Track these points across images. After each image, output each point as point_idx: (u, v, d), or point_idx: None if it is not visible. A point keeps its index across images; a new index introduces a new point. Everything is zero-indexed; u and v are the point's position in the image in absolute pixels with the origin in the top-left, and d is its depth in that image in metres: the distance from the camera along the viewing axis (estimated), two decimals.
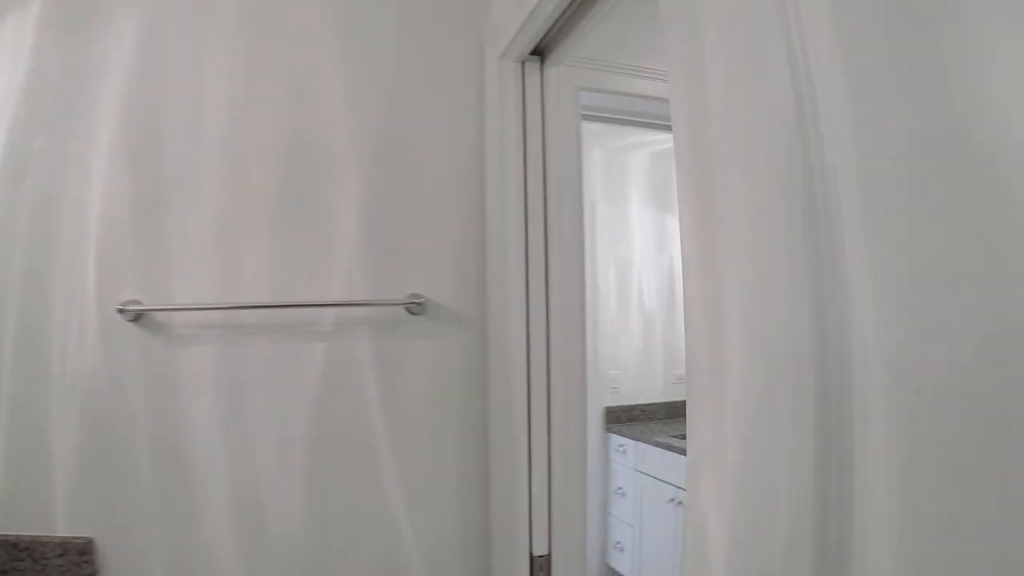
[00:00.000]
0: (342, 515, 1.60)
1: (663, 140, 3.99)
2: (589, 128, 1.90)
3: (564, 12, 1.43)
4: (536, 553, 1.56)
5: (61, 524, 1.45)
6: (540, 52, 1.66)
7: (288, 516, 1.56)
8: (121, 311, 1.48)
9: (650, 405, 4.06)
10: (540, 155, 1.67)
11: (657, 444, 3.35)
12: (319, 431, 1.59)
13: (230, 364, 1.56)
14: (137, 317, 1.51)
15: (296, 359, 1.59)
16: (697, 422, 0.75)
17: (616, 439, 3.73)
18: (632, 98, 2.04)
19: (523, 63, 1.66)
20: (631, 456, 3.57)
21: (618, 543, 3.62)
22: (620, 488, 3.63)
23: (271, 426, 1.56)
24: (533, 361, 1.63)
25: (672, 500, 3.16)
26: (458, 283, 1.70)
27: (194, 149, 1.56)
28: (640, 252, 4.19)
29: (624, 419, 3.94)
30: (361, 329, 1.63)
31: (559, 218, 1.68)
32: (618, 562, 3.61)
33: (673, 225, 4.24)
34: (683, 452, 3.11)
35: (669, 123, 2.10)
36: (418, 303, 1.62)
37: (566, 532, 1.62)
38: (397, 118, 1.68)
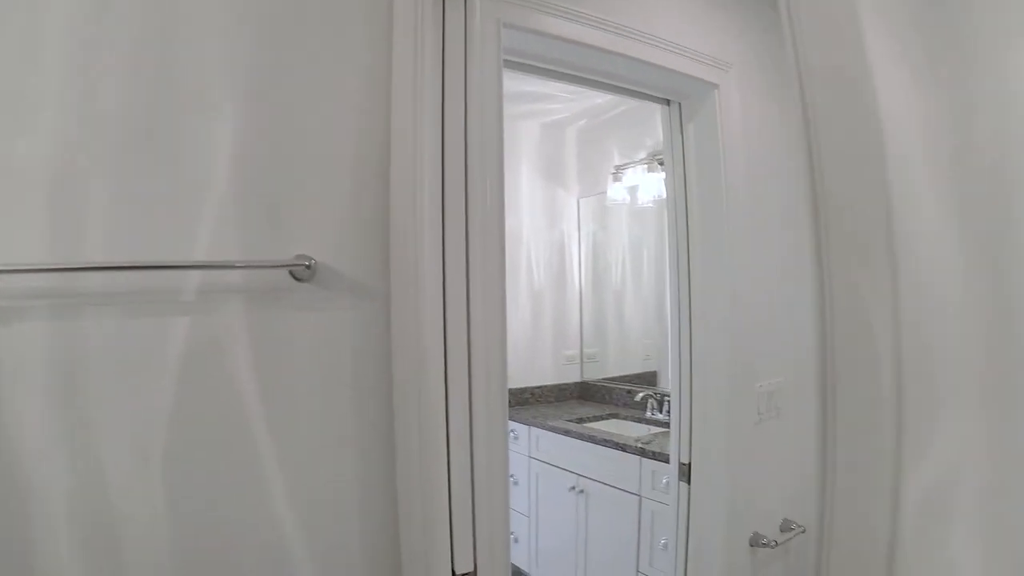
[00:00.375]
0: (218, 528, 1.26)
1: (556, 110, 3.80)
2: None
3: None
4: (460, 571, 1.30)
5: None
6: None
7: (149, 535, 1.21)
8: None
9: (540, 388, 3.89)
10: (462, 95, 1.40)
11: (554, 429, 3.17)
12: (183, 428, 1.24)
13: (67, 345, 1.17)
14: None
15: (152, 337, 1.23)
16: (939, 429, 0.50)
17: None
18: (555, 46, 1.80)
19: None
20: (524, 442, 3.37)
21: (512, 534, 3.42)
22: (512, 476, 3.43)
23: (122, 424, 1.20)
24: (451, 343, 1.36)
25: (573, 488, 2.99)
26: (356, 243, 1.38)
27: (27, 60, 1.16)
28: (530, 227, 4.00)
29: (513, 403, 3.73)
30: (234, 298, 1.29)
31: (481, 171, 1.43)
32: (513, 554, 3.41)
33: (564, 199, 4.08)
34: (582, 437, 2.95)
35: (593, 77, 1.87)
36: (306, 266, 1.29)
37: (492, 543, 1.38)
38: (285, 41, 1.35)
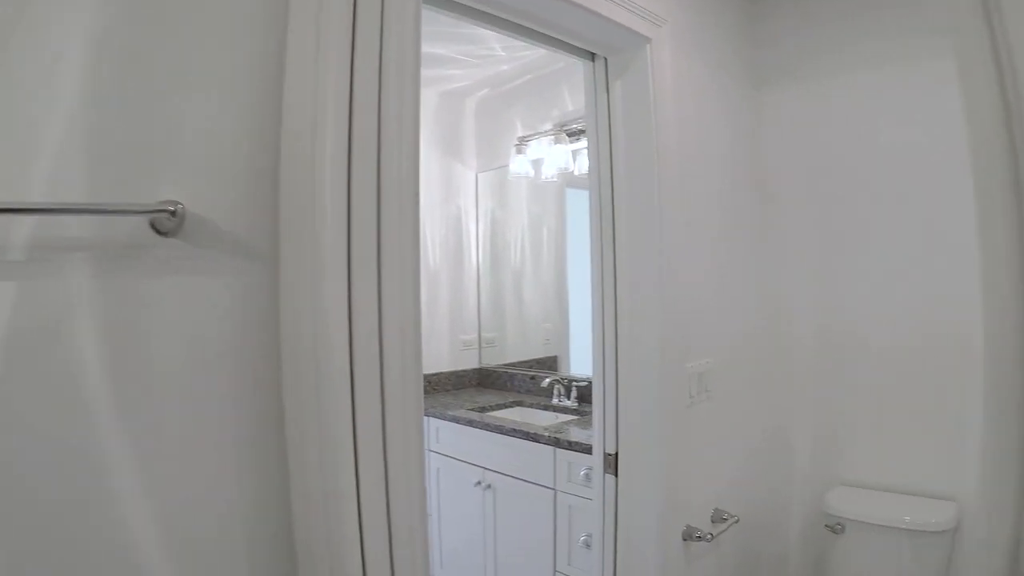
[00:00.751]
0: (59, 561, 0.95)
1: (456, 78, 3.54)
2: None
3: None
4: None
5: None
6: None
7: None
8: None
9: (437, 375, 3.64)
10: (377, 19, 1.13)
11: (456, 419, 2.93)
12: (9, 431, 0.92)
13: None
14: None
15: None
16: None
17: None
18: None
19: None
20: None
21: None
22: None
23: None
24: (357, 319, 1.09)
25: (479, 483, 2.76)
26: (237, 188, 1.08)
27: None
28: (425, 203, 3.71)
29: None
30: (77, 258, 0.96)
31: (398, 108, 1.16)
32: None
33: (462, 173, 3.84)
34: (488, 428, 2.72)
35: (516, 19, 1.63)
36: (171, 212, 0.98)
37: (412, 564, 1.13)
38: None
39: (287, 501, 1.08)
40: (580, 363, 3.35)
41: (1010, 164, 0.77)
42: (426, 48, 3.03)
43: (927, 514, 1.95)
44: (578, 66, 2.03)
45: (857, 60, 2.21)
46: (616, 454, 1.89)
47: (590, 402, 2.97)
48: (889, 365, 2.15)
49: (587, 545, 2.26)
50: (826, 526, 2.09)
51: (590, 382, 3.03)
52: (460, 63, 3.30)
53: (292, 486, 1.08)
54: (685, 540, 1.85)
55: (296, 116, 1.07)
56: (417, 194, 1.20)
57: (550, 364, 3.54)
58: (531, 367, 3.59)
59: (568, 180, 3.34)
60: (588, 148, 2.01)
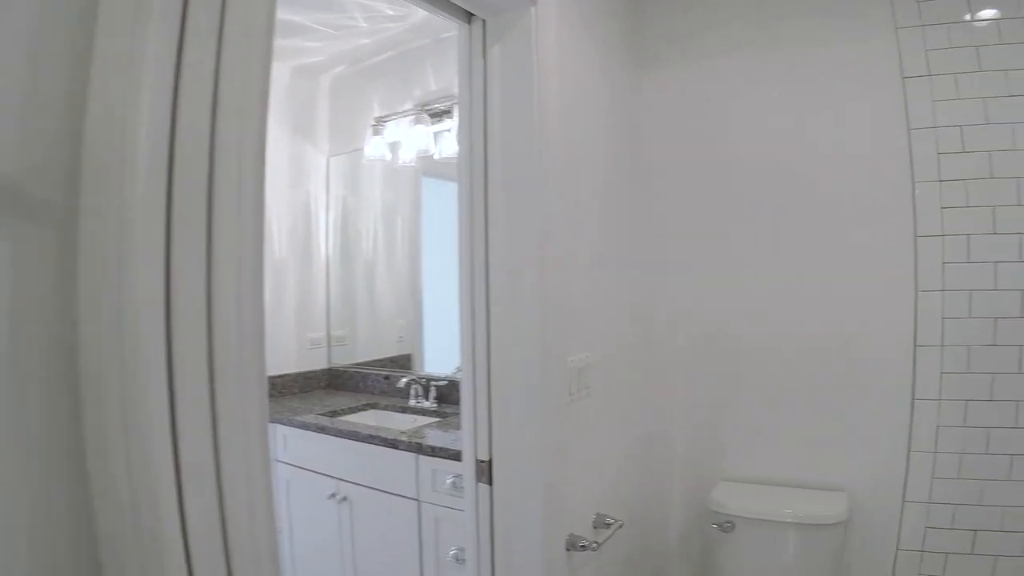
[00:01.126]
0: None
1: (311, 51, 3.23)
2: None
3: None
4: None
5: None
6: None
7: None
8: None
9: (283, 377, 3.32)
10: None
11: (305, 426, 2.64)
12: None
13: None
14: None
15: None
16: None
17: None
18: None
19: None
20: (269, 443, 2.79)
21: None
22: None
23: None
24: (177, 306, 0.83)
25: (333, 496, 2.48)
26: (26, 125, 0.80)
27: None
28: (270, 188, 3.35)
29: None
30: None
31: (245, 41, 0.92)
32: None
33: (313, 157, 3.53)
34: (341, 434, 2.47)
35: None
36: None
37: None
38: None
39: (93, 549, 0.81)
40: (435, 361, 3.16)
41: None
42: (279, 14, 2.71)
43: (819, 506, 1.93)
44: (445, 43, 1.83)
45: (746, 40, 2.16)
46: (490, 461, 1.71)
47: (450, 402, 2.80)
48: (770, 362, 2.13)
49: (458, 560, 2.07)
50: (714, 524, 2.02)
51: (450, 381, 2.85)
52: (316, 34, 3.00)
53: (98, 526, 0.80)
54: (568, 550, 1.70)
55: (106, 63, 0.80)
56: (262, 161, 0.96)
57: (403, 363, 3.32)
58: (384, 366, 3.36)
59: (425, 167, 3.14)
60: (459, 121, 1.81)
